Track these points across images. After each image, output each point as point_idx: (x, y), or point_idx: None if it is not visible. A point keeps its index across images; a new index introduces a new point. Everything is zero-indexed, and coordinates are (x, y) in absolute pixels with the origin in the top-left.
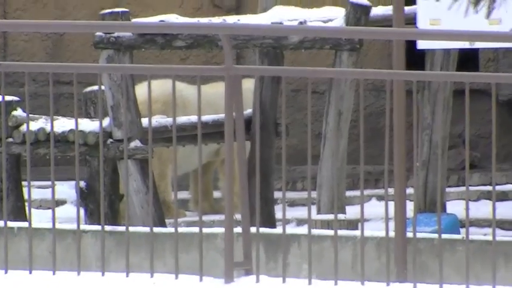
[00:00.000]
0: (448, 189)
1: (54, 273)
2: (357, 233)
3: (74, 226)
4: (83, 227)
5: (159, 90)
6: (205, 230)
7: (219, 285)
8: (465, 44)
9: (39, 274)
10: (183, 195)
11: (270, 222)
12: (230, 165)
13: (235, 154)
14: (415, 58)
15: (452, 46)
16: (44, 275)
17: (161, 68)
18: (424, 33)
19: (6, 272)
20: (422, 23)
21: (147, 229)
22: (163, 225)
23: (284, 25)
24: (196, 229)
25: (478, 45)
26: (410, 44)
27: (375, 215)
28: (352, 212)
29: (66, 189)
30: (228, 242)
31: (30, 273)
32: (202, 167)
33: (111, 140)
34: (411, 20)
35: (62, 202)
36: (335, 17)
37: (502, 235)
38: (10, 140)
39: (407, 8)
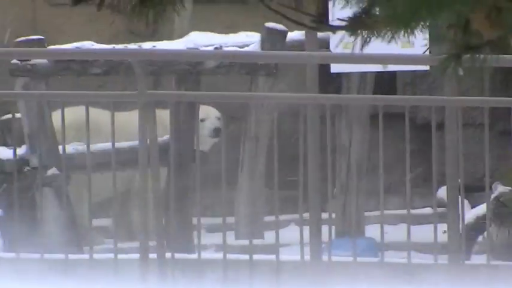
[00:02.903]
0: (367, 213)
1: None
2: (273, 257)
3: None
4: (0, 254)
5: (71, 117)
6: (121, 256)
7: None
8: (378, 67)
9: None
10: (103, 222)
11: (187, 247)
12: (144, 192)
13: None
14: (335, 82)
15: (365, 69)
16: None
17: (76, 94)
18: (335, 57)
19: None
20: (336, 47)
21: (62, 256)
22: (81, 251)
23: (197, 49)
24: (111, 255)
25: (391, 68)
26: (327, 69)
27: (294, 240)
28: (271, 236)
29: None
30: (144, 267)
31: None
32: (121, 194)
33: (28, 167)
34: (326, 45)
35: None
36: (251, 42)
37: (420, 258)
38: None
39: (321, 33)
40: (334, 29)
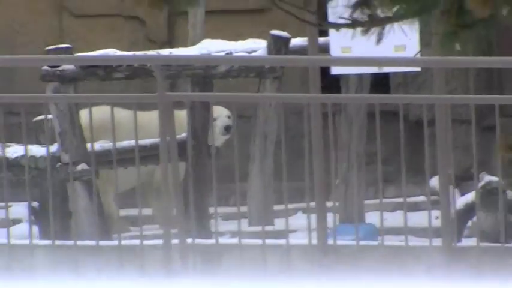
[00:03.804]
0: (366, 202)
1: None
2: (283, 241)
3: (27, 242)
4: (35, 242)
5: (95, 117)
6: (146, 242)
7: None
8: (374, 69)
9: None
10: (129, 212)
11: (206, 234)
12: (165, 184)
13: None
14: (333, 84)
15: (362, 71)
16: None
17: (101, 96)
18: (335, 60)
19: None
20: (335, 51)
21: (93, 242)
22: (109, 238)
23: (210, 55)
24: (137, 241)
25: (386, 69)
26: (328, 71)
27: (301, 226)
28: (280, 224)
29: (21, 210)
30: (166, 252)
31: None
32: (143, 186)
33: (59, 163)
34: (326, 50)
35: (18, 221)
36: (258, 48)
37: (416, 241)
38: None
39: (322, 39)
40: (338, 26)
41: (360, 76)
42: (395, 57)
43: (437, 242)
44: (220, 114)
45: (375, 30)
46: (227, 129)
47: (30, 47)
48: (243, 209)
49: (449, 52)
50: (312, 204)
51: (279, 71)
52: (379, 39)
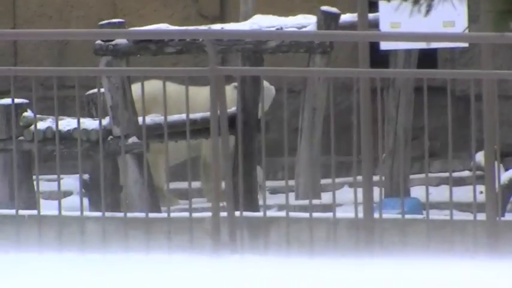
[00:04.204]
0: (412, 176)
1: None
2: (330, 215)
3: (78, 213)
4: (86, 214)
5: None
6: (194, 215)
7: (207, 261)
8: (422, 45)
9: (48, 255)
10: (179, 185)
11: (254, 207)
12: (216, 157)
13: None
14: (382, 59)
15: (411, 46)
16: (52, 255)
17: (153, 70)
18: (384, 35)
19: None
20: (384, 27)
21: (143, 214)
22: (159, 211)
23: (261, 30)
24: (186, 214)
25: (434, 45)
26: (377, 47)
27: (347, 200)
28: (327, 197)
29: (72, 182)
30: (215, 224)
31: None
32: (191, 160)
33: (111, 136)
34: (376, 25)
35: (68, 193)
36: (308, 23)
37: (461, 215)
38: (21, 138)
39: (371, 15)
40: None
41: (408, 51)
42: (443, 32)
43: (481, 216)
44: None
45: (424, 2)
46: None
47: (84, 22)
48: (291, 182)
49: (503, 31)
50: (359, 178)
51: (328, 46)
52: (427, 11)
